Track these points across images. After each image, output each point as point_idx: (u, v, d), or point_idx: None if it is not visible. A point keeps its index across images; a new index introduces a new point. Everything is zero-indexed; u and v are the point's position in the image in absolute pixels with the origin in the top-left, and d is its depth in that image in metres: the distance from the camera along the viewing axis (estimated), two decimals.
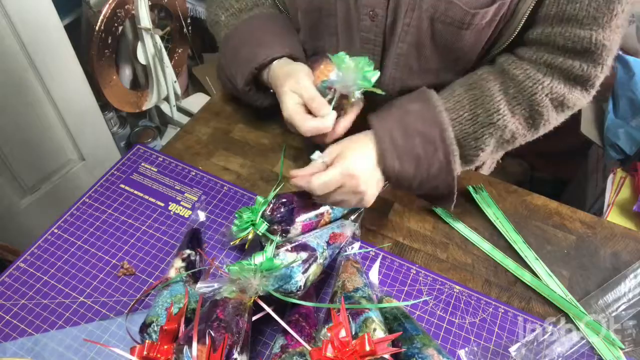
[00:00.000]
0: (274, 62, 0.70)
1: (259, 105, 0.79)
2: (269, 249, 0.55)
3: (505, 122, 0.63)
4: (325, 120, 0.63)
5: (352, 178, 0.59)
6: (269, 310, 0.55)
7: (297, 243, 0.61)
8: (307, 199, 0.65)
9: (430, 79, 0.69)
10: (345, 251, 0.66)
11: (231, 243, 0.66)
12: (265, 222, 0.63)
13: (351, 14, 0.67)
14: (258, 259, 0.54)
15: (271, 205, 0.64)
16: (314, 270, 0.59)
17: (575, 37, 0.58)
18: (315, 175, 0.59)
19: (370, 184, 0.62)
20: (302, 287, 0.57)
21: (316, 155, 0.63)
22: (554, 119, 0.65)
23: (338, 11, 0.68)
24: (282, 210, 0.63)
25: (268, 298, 0.56)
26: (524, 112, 0.63)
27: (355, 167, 0.60)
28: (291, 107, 0.64)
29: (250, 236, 0.63)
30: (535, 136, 0.68)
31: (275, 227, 0.63)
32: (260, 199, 0.64)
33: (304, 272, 0.57)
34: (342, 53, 0.61)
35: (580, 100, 0.64)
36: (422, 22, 0.62)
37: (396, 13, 0.64)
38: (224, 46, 0.76)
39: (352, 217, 0.70)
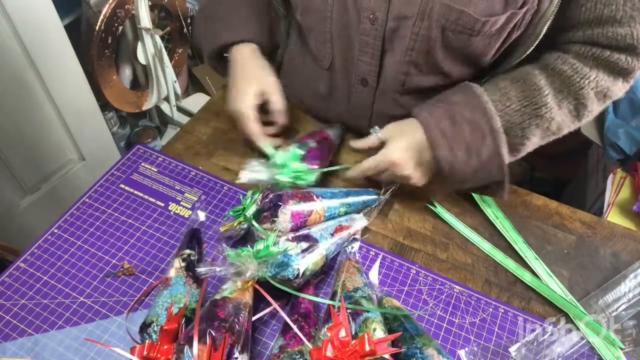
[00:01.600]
0: (239, 47, 0.76)
1: (225, 75, 0.81)
2: (271, 237, 0.57)
3: (552, 114, 0.64)
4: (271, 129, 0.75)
5: (395, 165, 0.66)
6: (268, 297, 0.55)
7: (299, 233, 0.61)
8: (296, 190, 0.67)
9: (441, 78, 0.70)
10: (346, 250, 0.66)
11: (221, 228, 0.66)
12: (255, 206, 0.63)
13: (350, 16, 0.67)
14: (260, 246, 0.56)
15: (261, 195, 0.64)
16: (314, 260, 0.60)
17: (618, 36, 0.60)
18: (365, 161, 0.69)
19: (414, 169, 0.67)
20: (300, 276, 0.57)
21: (374, 130, 0.70)
22: (596, 110, 0.66)
23: (334, 14, 0.68)
24: (270, 196, 0.64)
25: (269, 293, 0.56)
26: (569, 105, 0.64)
27: (396, 155, 0.66)
28: (250, 111, 0.72)
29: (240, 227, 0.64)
30: (578, 126, 0.69)
31: (265, 214, 0.63)
32: (251, 191, 0.66)
33: (301, 261, 0.58)
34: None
35: (621, 91, 0.65)
36: (432, 31, 0.63)
37: (400, 20, 0.64)
38: (198, 15, 0.83)
39: (364, 212, 0.70)
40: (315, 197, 0.66)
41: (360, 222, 0.69)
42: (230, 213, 0.65)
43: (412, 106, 0.75)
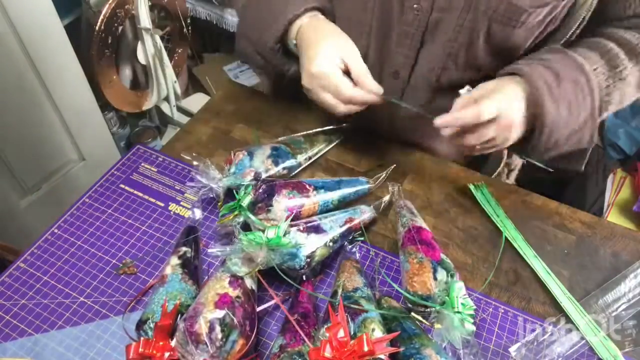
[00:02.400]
0: (304, 20, 0.66)
1: (287, 70, 0.73)
2: (282, 225, 0.58)
3: (630, 78, 0.63)
4: (370, 96, 0.63)
5: (507, 115, 0.59)
6: (270, 290, 0.56)
7: (310, 224, 0.62)
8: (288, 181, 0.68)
9: (472, 73, 0.70)
10: (347, 249, 0.67)
11: (216, 223, 0.67)
12: (249, 198, 0.64)
13: (393, 6, 0.67)
14: (270, 232, 0.57)
15: (254, 188, 0.65)
16: (321, 252, 0.61)
17: None
18: (466, 107, 0.59)
19: (517, 126, 0.61)
20: (306, 266, 0.59)
21: (465, 90, 0.62)
22: None
23: (377, 3, 0.67)
24: (264, 187, 0.65)
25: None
26: (638, 73, 0.64)
27: (504, 106, 0.59)
28: (331, 67, 0.62)
29: (237, 220, 0.64)
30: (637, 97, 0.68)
31: (260, 205, 0.64)
32: (244, 185, 0.67)
33: (310, 254, 0.59)
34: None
35: None
36: (478, 23, 0.63)
37: (444, 11, 0.64)
38: (245, 10, 0.73)
39: (374, 204, 0.71)
40: (307, 186, 0.67)
41: (368, 214, 0.69)
42: (224, 210, 0.66)
43: (433, 105, 0.73)
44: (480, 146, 0.62)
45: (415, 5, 0.65)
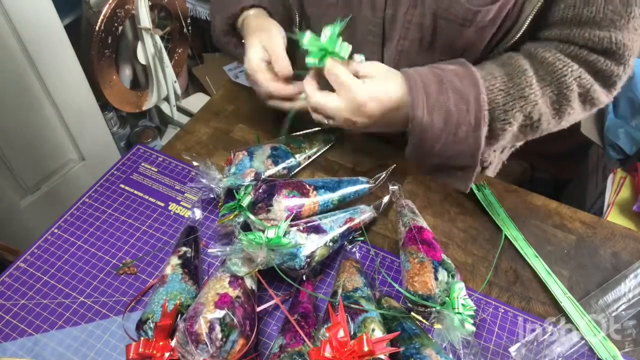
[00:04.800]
0: (250, 12, 0.72)
1: (236, 56, 0.77)
2: (282, 225, 0.58)
3: (536, 97, 0.60)
4: (288, 87, 0.65)
5: (361, 106, 0.58)
6: (270, 290, 0.56)
7: (310, 224, 0.62)
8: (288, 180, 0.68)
9: None
10: (347, 249, 0.67)
11: (216, 223, 0.67)
12: (250, 197, 0.64)
13: (353, 4, 0.67)
14: (270, 232, 0.57)
15: (254, 187, 0.66)
16: (321, 252, 0.61)
17: (595, 38, 0.58)
18: (343, 72, 0.58)
19: (371, 121, 0.59)
20: (306, 267, 0.59)
21: (358, 57, 0.61)
22: (578, 110, 0.63)
23: (340, 2, 0.68)
24: (264, 187, 0.65)
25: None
26: (551, 95, 0.61)
27: (366, 96, 0.57)
28: (256, 63, 0.65)
29: (236, 220, 0.64)
30: (558, 127, 0.65)
31: (260, 205, 0.64)
32: (244, 185, 0.67)
33: (310, 254, 0.60)
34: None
35: (603, 97, 0.62)
36: (425, 19, 0.62)
37: (396, 8, 0.64)
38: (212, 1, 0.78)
39: (374, 204, 0.71)
40: (307, 186, 0.67)
41: (368, 214, 0.69)
42: (224, 210, 0.66)
43: None
44: (319, 114, 0.62)
45: (370, 2, 0.65)
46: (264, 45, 0.67)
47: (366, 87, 0.58)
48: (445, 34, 0.63)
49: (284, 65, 0.65)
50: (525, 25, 0.61)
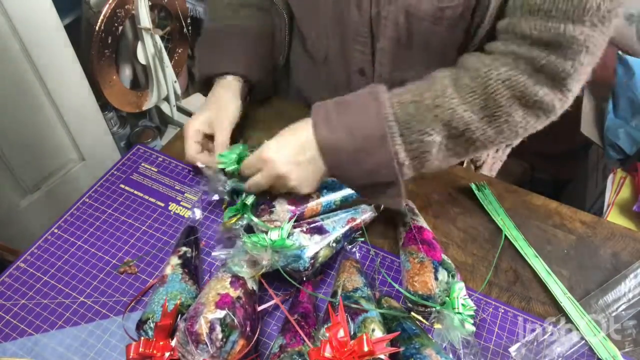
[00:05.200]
0: (221, 78, 0.77)
1: None
2: (286, 227, 0.58)
3: (452, 104, 0.57)
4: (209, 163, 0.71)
5: (267, 162, 0.60)
6: (270, 291, 0.56)
7: (313, 225, 0.63)
8: None
9: (420, 75, 0.65)
10: (347, 249, 0.67)
11: (219, 227, 0.67)
12: (253, 196, 0.65)
13: (341, 4, 0.67)
14: (274, 234, 0.57)
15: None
16: (324, 253, 0.62)
17: (542, 27, 0.53)
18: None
19: (294, 169, 0.60)
20: (310, 268, 0.60)
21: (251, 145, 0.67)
22: (520, 117, 0.58)
23: (329, 3, 0.69)
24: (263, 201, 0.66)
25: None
26: (478, 101, 0.57)
27: (271, 151, 0.60)
28: (194, 129, 0.72)
29: (239, 223, 0.65)
30: (504, 137, 0.60)
31: (263, 207, 0.65)
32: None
33: (314, 254, 0.60)
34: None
35: (550, 99, 0.57)
36: (399, 16, 0.63)
37: (378, 5, 0.64)
38: (199, 40, 0.83)
39: (375, 204, 0.70)
40: None
41: (369, 213, 0.69)
42: (228, 213, 0.66)
43: None
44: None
45: (357, 2, 0.65)
46: (211, 121, 0.73)
47: (258, 152, 0.62)
48: (418, 32, 0.63)
49: (220, 151, 0.71)
50: (486, 21, 0.59)
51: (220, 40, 0.79)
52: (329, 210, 0.69)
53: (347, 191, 0.70)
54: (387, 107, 0.58)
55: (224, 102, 0.75)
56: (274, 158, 0.60)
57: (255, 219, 0.63)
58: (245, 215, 0.64)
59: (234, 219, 0.65)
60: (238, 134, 0.80)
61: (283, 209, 0.64)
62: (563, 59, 0.54)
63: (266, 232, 0.58)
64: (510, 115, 0.57)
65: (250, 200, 0.64)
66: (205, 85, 0.80)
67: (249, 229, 0.65)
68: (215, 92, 0.77)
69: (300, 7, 0.75)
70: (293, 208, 0.64)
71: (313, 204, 0.66)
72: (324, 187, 0.68)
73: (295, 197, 0.65)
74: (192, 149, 0.73)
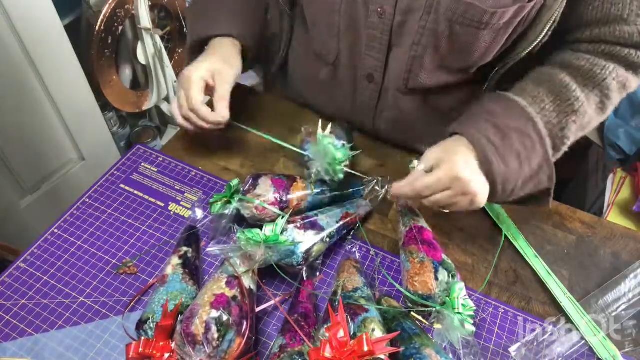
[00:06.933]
0: (218, 38, 0.74)
1: None
2: (280, 223, 0.59)
3: (585, 108, 0.63)
4: (214, 116, 0.68)
5: (459, 180, 0.57)
6: (269, 293, 0.55)
7: (307, 220, 0.63)
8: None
9: (444, 78, 0.70)
10: (347, 249, 0.67)
11: (210, 210, 0.67)
12: (237, 180, 0.67)
13: (358, 10, 0.67)
14: (268, 229, 0.58)
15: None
16: (317, 248, 0.62)
17: (625, 34, 0.60)
18: (419, 179, 0.59)
19: (479, 186, 0.59)
20: (304, 262, 0.61)
21: (415, 163, 0.62)
22: (617, 101, 0.66)
23: (343, 6, 0.68)
24: (249, 179, 0.67)
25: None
26: (595, 98, 0.63)
27: (460, 169, 0.57)
28: (198, 77, 0.67)
29: (226, 210, 0.66)
30: (602, 120, 0.68)
31: (247, 188, 0.67)
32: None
33: (307, 250, 0.60)
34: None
35: (634, 83, 0.65)
36: (439, 25, 0.62)
37: (407, 14, 0.64)
38: (188, 8, 0.83)
39: (370, 198, 0.70)
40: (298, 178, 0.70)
41: (364, 208, 0.70)
42: (215, 197, 0.67)
43: (411, 109, 0.74)
44: (443, 209, 0.62)
45: (379, 9, 0.65)
46: (215, 71, 0.69)
47: (451, 164, 0.58)
48: (460, 38, 0.63)
49: (223, 107, 0.69)
50: (544, 32, 0.61)
51: (214, 3, 0.77)
52: (319, 202, 0.69)
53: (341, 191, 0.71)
54: (539, 122, 0.61)
55: (229, 55, 0.72)
56: (468, 176, 0.58)
57: (241, 196, 0.65)
58: (232, 200, 0.65)
59: (220, 203, 0.66)
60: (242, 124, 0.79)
61: (266, 185, 0.66)
62: None
63: (260, 227, 0.58)
64: (614, 103, 0.65)
65: (235, 182, 0.66)
66: (196, 51, 0.76)
67: (240, 220, 0.66)
68: (217, 47, 0.73)
69: (312, 5, 0.74)
70: (276, 185, 0.66)
71: (298, 187, 0.68)
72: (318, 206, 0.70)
73: (280, 177, 0.67)
74: (199, 96, 0.68)
